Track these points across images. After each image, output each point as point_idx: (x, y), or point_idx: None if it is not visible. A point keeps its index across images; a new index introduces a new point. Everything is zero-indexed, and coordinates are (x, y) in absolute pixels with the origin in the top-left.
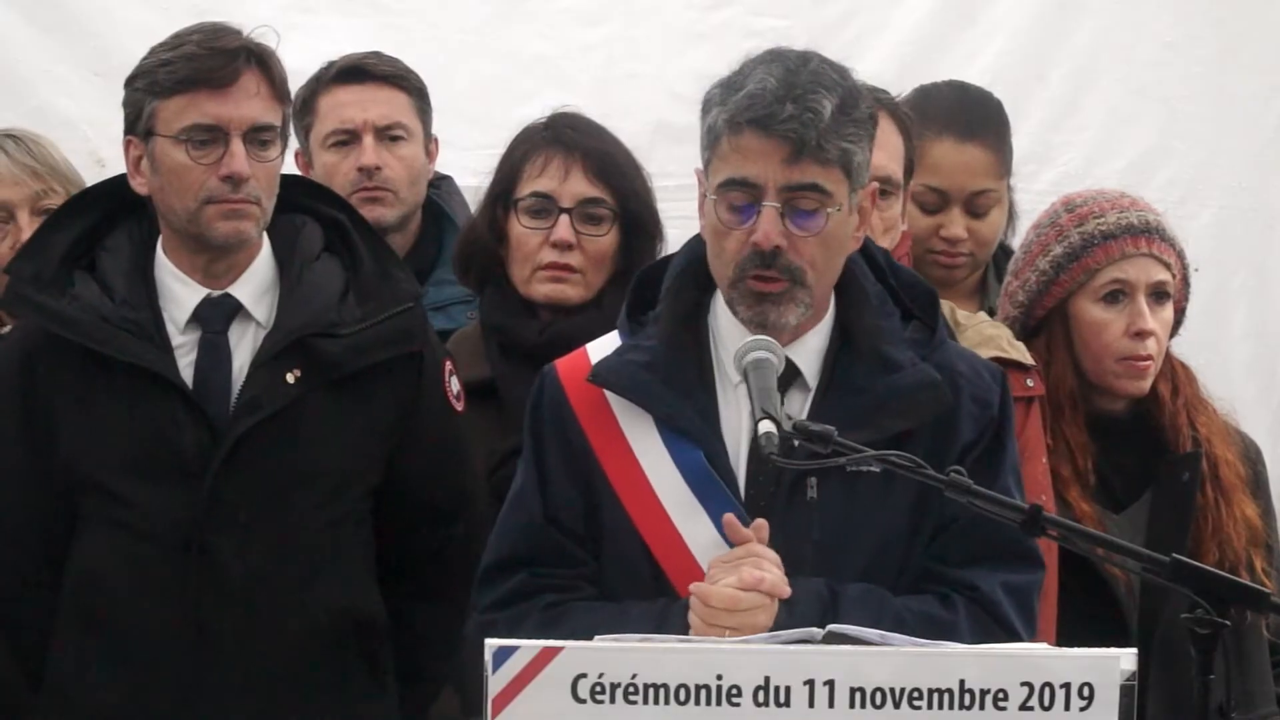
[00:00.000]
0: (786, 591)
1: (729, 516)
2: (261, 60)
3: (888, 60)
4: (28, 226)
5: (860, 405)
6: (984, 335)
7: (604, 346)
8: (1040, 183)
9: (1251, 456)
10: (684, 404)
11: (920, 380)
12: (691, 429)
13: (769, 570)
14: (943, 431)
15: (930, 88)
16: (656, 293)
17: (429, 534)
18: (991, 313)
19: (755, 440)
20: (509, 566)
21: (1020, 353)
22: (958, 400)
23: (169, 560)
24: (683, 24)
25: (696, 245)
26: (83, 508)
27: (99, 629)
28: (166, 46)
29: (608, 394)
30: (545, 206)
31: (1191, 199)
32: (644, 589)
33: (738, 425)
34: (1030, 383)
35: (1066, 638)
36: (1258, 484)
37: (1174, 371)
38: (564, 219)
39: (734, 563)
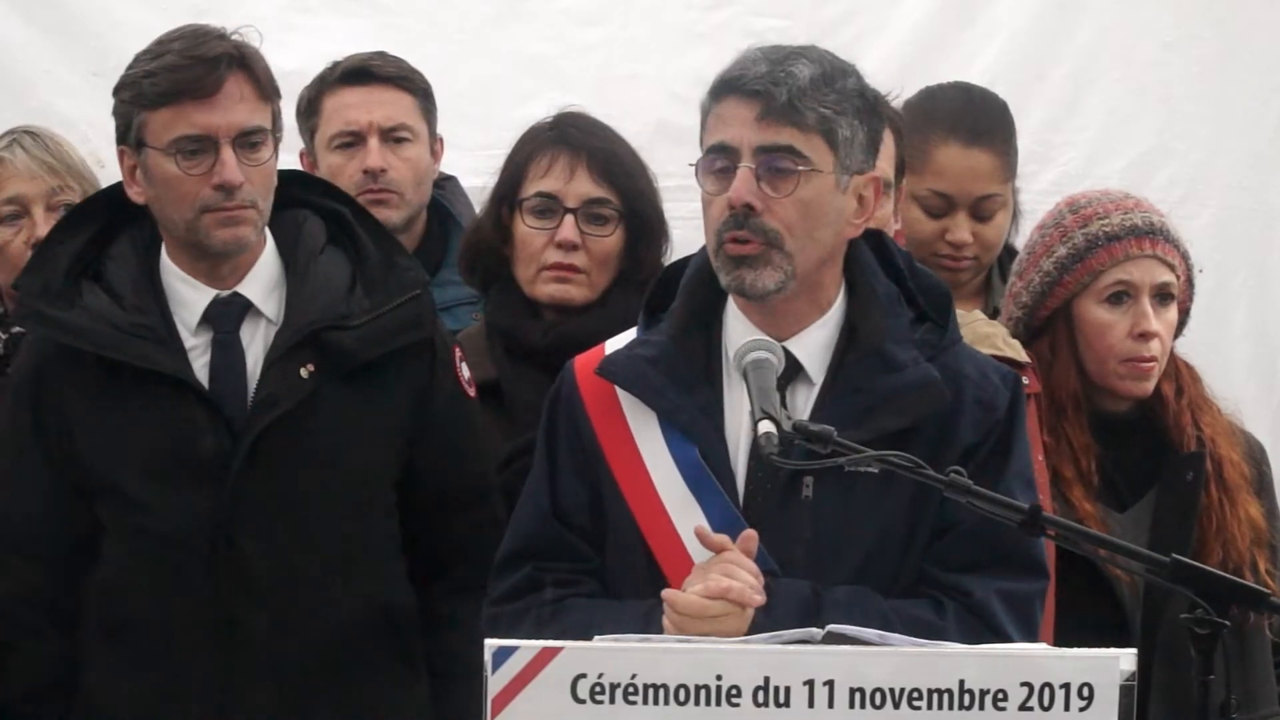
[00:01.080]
0: (755, 601)
1: (699, 527)
2: (244, 63)
3: (888, 60)
4: (43, 221)
5: (859, 404)
6: (978, 333)
7: (620, 341)
8: (1041, 182)
9: (1256, 456)
10: (686, 400)
11: (917, 379)
12: (691, 425)
13: (739, 578)
14: (943, 433)
15: (936, 89)
16: (676, 290)
17: (454, 522)
18: (996, 313)
19: (755, 439)
20: (517, 560)
21: (1015, 350)
22: (959, 402)
23: (195, 563)
24: (683, 24)
25: None
26: (105, 516)
27: (127, 636)
28: (149, 55)
29: (617, 388)
30: (550, 206)
31: (1191, 199)
32: (642, 583)
33: (742, 424)
34: (1025, 380)
35: (1068, 638)
36: (1262, 484)
37: (1178, 371)
38: (569, 219)
39: (707, 570)
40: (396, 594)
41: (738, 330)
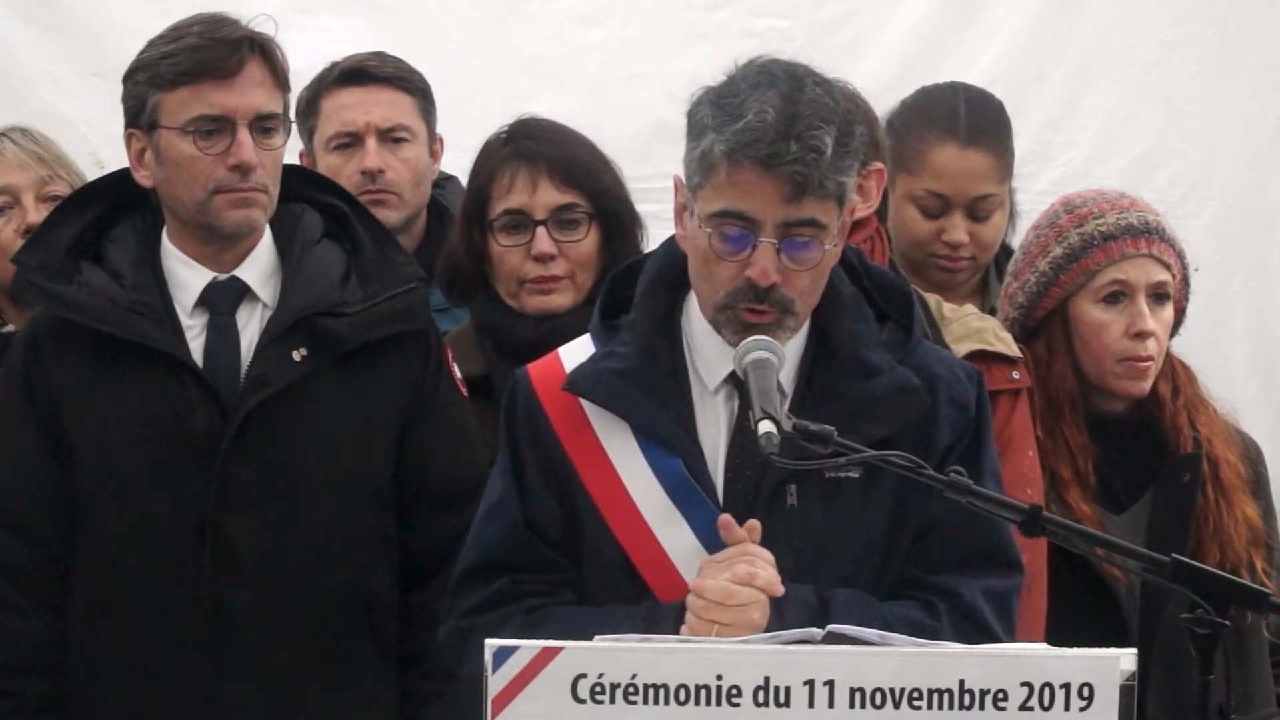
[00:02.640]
0: (780, 590)
1: (724, 517)
2: (264, 49)
3: (888, 60)
4: (33, 210)
5: (839, 411)
6: (970, 328)
7: (576, 351)
8: (1040, 183)
9: (1252, 456)
10: (662, 412)
11: (899, 385)
12: (670, 437)
13: (762, 568)
14: (922, 435)
15: (932, 89)
16: (628, 295)
17: (443, 520)
18: (992, 313)
19: (732, 447)
20: (488, 572)
21: (1006, 345)
22: (935, 403)
23: (181, 541)
24: (683, 24)
25: (670, 249)
26: (93, 492)
27: (110, 613)
28: (166, 39)
29: (583, 401)
30: (520, 221)
31: (1191, 199)
32: (624, 597)
33: (715, 432)
34: (1016, 375)
35: (1066, 640)
36: (1258, 484)
37: (1174, 372)
38: (541, 231)
39: (727, 561)
40: (378, 584)
41: (706, 342)
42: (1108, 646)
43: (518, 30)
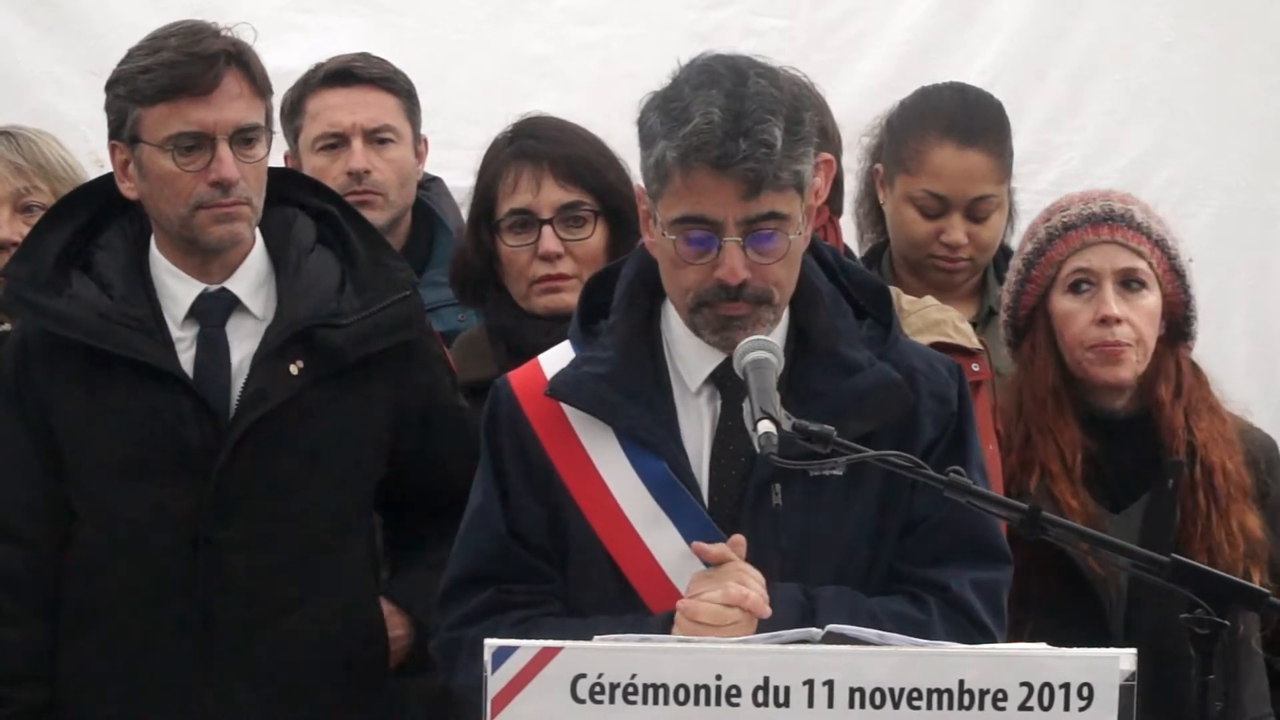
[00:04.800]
0: (767, 611)
1: (698, 544)
2: (240, 60)
3: (888, 60)
4: (6, 223)
5: (821, 409)
6: (929, 320)
7: (556, 357)
8: (1040, 183)
9: (1260, 464)
10: (645, 415)
11: (881, 381)
12: (654, 440)
13: (753, 587)
14: (905, 431)
15: (931, 90)
16: (606, 301)
17: (444, 526)
18: (991, 313)
19: (715, 448)
20: (475, 583)
21: (965, 337)
22: (916, 398)
23: (173, 554)
24: (683, 24)
25: (646, 253)
26: (84, 504)
27: (101, 623)
28: (144, 51)
29: (565, 407)
30: (526, 221)
31: (1191, 199)
32: (610, 602)
33: (698, 434)
34: (976, 367)
35: (1049, 637)
36: (1265, 493)
37: (1180, 373)
38: (547, 230)
39: (719, 576)
40: (367, 593)
41: (686, 344)
42: (1090, 645)
43: (518, 30)
